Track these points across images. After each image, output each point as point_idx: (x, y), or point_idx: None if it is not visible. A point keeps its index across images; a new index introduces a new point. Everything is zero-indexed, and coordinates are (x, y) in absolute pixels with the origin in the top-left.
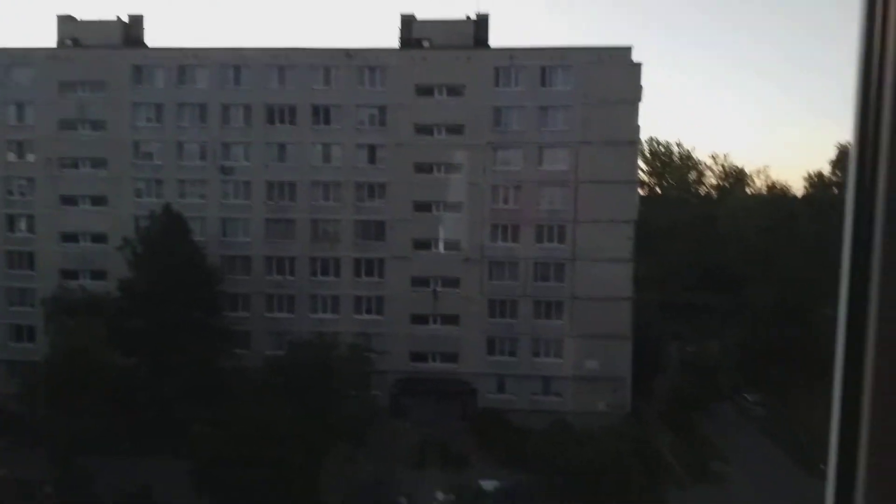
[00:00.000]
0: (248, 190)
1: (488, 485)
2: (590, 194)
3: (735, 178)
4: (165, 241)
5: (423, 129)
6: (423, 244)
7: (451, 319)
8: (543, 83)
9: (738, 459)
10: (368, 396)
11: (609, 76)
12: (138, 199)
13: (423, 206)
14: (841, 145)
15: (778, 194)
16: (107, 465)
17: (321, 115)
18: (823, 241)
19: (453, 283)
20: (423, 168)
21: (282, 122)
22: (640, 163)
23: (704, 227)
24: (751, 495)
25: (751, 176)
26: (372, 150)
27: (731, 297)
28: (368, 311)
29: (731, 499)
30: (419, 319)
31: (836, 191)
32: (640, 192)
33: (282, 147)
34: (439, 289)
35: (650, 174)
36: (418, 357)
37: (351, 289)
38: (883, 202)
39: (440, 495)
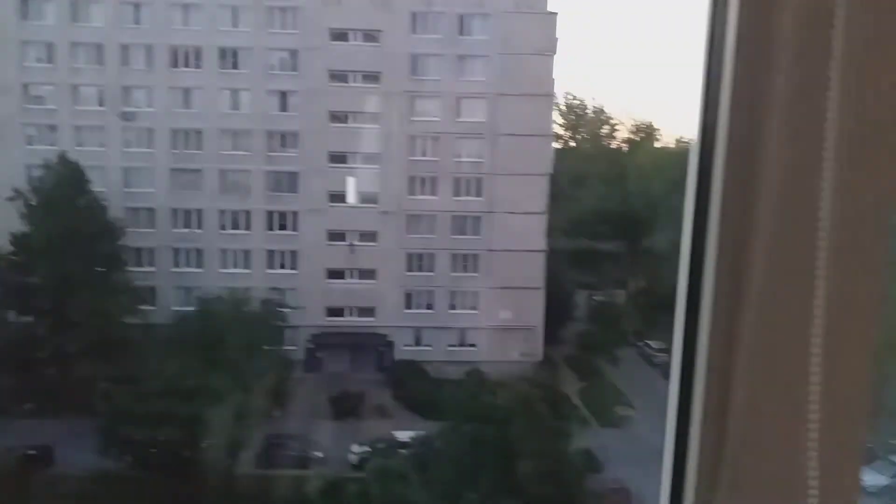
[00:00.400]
0: (151, 138)
1: (403, 435)
2: (506, 147)
3: (645, 132)
4: (62, 193)
5: (338, 76)
6: (339, 197)
7: (369, 274)
8: (461, 31)
9: (641, 403)
10: (282, 352)
11: (525, 26)
12: (30, 147)
13: (338, 157)
14: None
15: (684, 148)
16: (6, 427)
17: (229, 58)
18: None
19: (370, 236)
20: (337, 117)
21: (186, 65)
22: (556, 116)
23: (614, 180)
24: (652, 437)
25: (659, 130)
26: (283, 96)
27: (638, 248)
28: (282, 266)
29: (634, 440)
30: (335, 274)
31: None
32: (555, 145)
33: (187, 92)
34: (356, 243)
35: (565, 128)
36: (334, 312)
37: (263, 243)
38: (718, 200)
39: (355, 447)
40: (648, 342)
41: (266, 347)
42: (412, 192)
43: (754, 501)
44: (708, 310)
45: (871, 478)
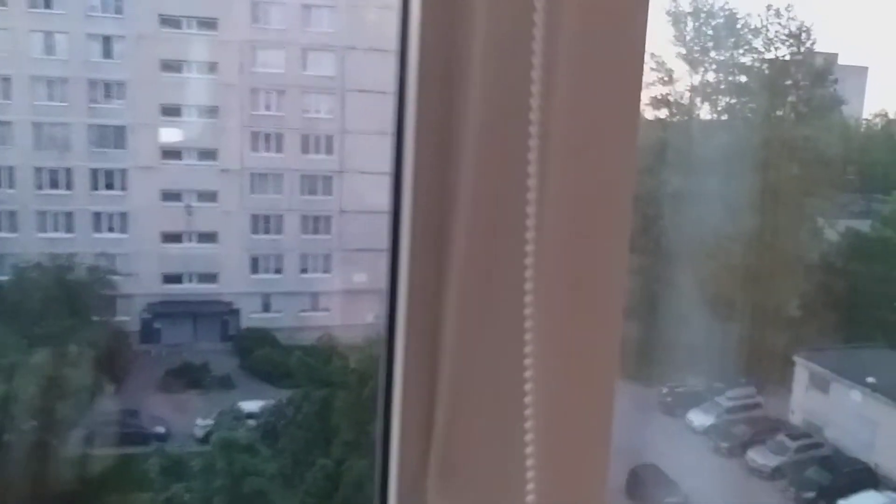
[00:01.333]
0: None
1: (250, 406)
2: (357, 104)
3: None
4: None
5: (170, 21)
6: (173, 153)
7: (209, 237)
8: None
9: None
10: (114, 323)
11: None
12: None
13: (171, 110)
14: None
15: None
16: None
17: None
18: None
19: (210, 196)
20: (170, 66)
21: None
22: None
23: None
24: None
25: None
26: (107, 41)
27: None
28: (110, 230)
29: None
30: (171, 237)
31: None
32: None
33: None
34: (194, 203)
35: None
36: (172, 278)
37: (87, 203)
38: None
39: (200, 421)
40: None
41: (95, 318)
42: (255, 149)
43: (467, 488)
44: (405, 284)
45: (699, 418)
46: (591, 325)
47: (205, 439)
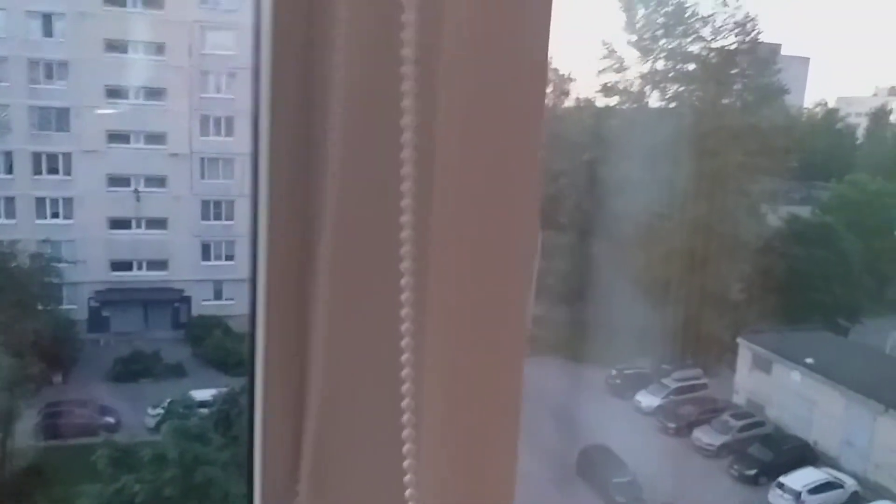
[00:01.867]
0: None
1: (202, 394)
2: None
3: None
4: None
5: None
6: (120, 137)
7: (158, 223)
8: None
9: None
10: (60, 311)
11: None
12: None
13: (117, 92)
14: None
15: None
16: None
17: None
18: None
19: (159, 181)
20: (115, 46)
21: None
22: None
23: None
24: None
25: None
26: (48, 19)
27: None
28: (55, 216)
29: None
30: (119, 224)
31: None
32: None
33: None
34: (142, 189)
35: None
36: (121, 265)
37: (30, 188)
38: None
39: (151, 410)
40: None
41: (40, 307)
42: (205, 133)
43: (343, 498)
44: (263, 283)
45: (646, 399)
46: (484, 327)
47: (156, 428)
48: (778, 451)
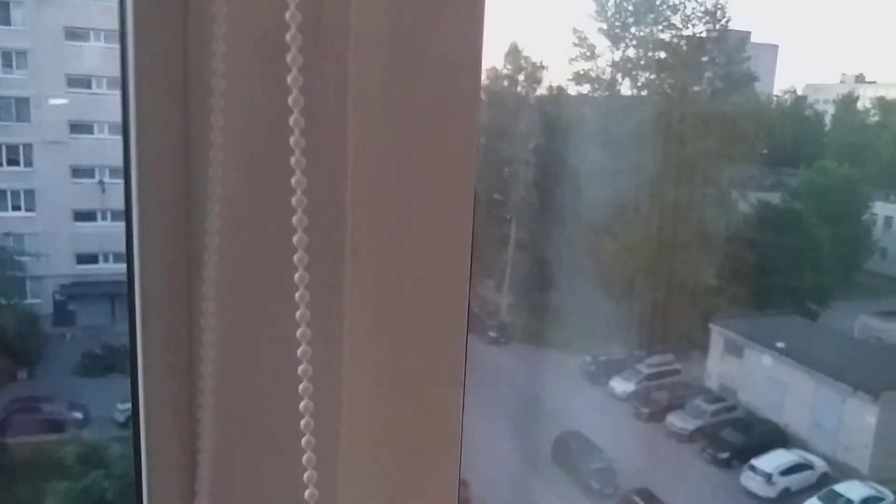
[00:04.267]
0: None
1: None
2: None
3: None
4: None
5: None
6: (84, 127)
7: (124, 215)
8: None
9: None
10: (23, 306)
11: None
12: None
13: (79, 81)
14: (512, 42)
15: None
16: None
17: None
18: (496, 130)
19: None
20: (76, 34)
21: None
22: None
23: None
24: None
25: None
26: (5, 6)
27: None
28: (16, 208)
29: None
30: (84, 216)
31: (506, 83)
32: None
33: None
34: (107, 180)
35: None
36: (86, 258)
37: None
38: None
39: (121, 405)
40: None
41: (3, 302)
42: None
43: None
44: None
45: (620, 385)
46: (418, 316)
47: (126, 424)
48: (750, 435)
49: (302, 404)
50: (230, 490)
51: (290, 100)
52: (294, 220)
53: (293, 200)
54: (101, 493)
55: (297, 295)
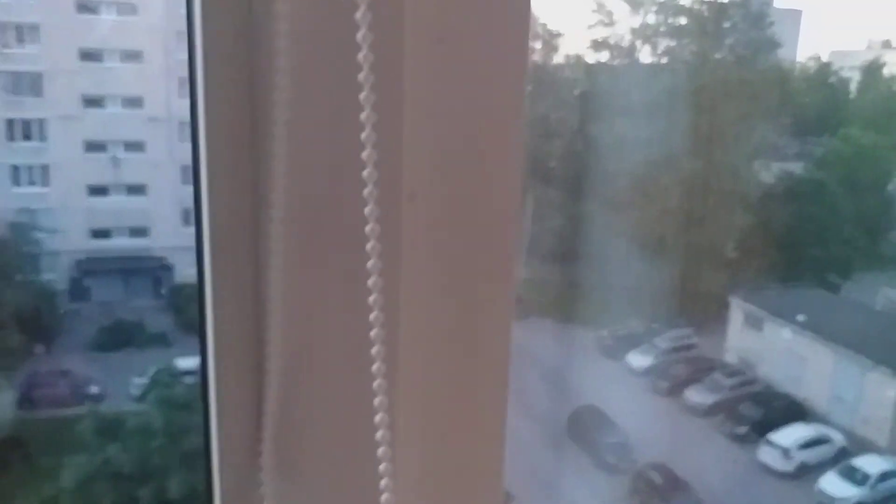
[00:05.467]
0: None
1: (186, 363)
2: None
3: None
4: None
5: None
6: (96, 101)
7: (138, 189)
8: None
9: None
10: (40, 281)
11: None
12: None
13: (91, 55)
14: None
15: None
16: None
17: None
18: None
19: (137, 147)
20: (87, 7)
21: None
22: None
23: None
24: None
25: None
26: None
27: None
28: (31, 183)
29: None
30: (98, 191)
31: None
32: None
33: None
34: (120, 154)
35: None
36: (100, 234)
37: (4, 156)
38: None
39: (136, 380)
40: None
41: (19, 277)
42: (183, 96)
43: (308, 468)
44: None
45: (637, 359)
46: (468, 301)
47: (141, 398)
48: (768, 409)
49: (374, 349)
50: (295, 437)
51: (361, 97)
52: (367, 211)
53: (365, 192)
54: (118, 466)
55: (368, 246)
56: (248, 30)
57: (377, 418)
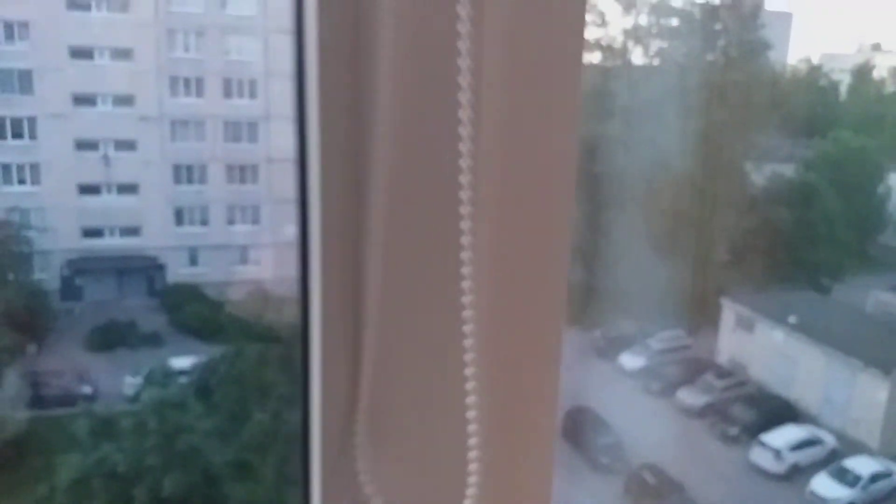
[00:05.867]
0: None
1: (181, 362)
2: (281, 45)
3: None
4: None
5: None
6: (87, 99)
7: (129, 188)
8: None
9: None
10: (31, 281)
11: None
12: None
13: (81, 52)
14: None
15: None
16: None
17: None
18: None
19: (128, 145)
20: (77, 4)
21: None
22: None
23: None
24: None
25: None
26: None
27: None
28: (21, 182)
29: None
30: (89, 189)
31: None
32: None
33: None
34: (111, 153)
35: None
36: (92, 233)
37: None
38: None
39: (129, 379)
40: None
41: (10, 276)
42: (175, 95)
43: (398, 448)
44: (317, 229)
45: (630, 360)
46: (536, 285)
47: (135, 398)
48: (760, 410)
49: (466, 328)
50: (387, 415)
51: (460, 79)
52: (462, 211)
53: (461, 179)
54: (113, 465)
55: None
56: (356, 29)
57: (468, 400)
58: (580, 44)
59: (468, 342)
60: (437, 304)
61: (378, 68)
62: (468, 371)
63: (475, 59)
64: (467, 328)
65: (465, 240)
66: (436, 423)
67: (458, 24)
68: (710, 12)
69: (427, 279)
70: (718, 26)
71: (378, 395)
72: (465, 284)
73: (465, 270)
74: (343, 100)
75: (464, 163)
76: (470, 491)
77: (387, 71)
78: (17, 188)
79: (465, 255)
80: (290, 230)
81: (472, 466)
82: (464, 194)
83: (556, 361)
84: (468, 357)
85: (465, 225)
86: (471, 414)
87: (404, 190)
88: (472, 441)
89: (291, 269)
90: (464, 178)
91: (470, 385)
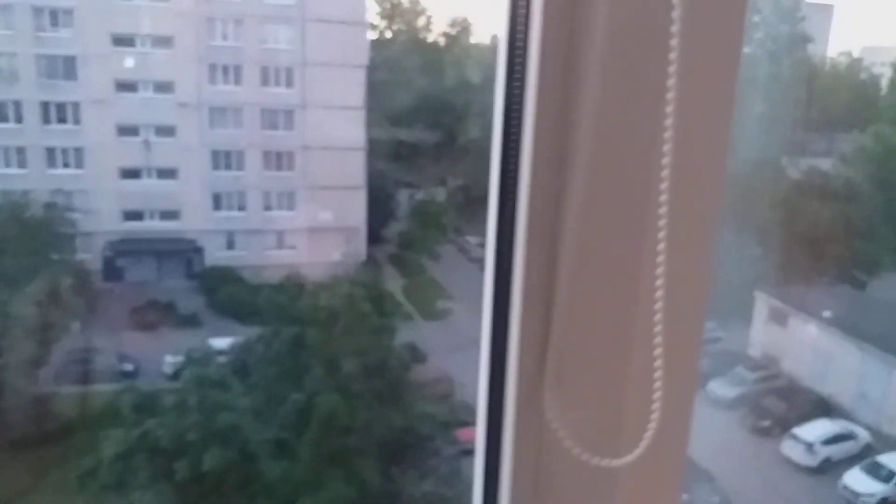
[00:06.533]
0: None
1: (220, 343)
2: (318, 34)
3: (461, 26)
4: None
5: None
6: (128, 85)
7: (169, 173)
8: None
9: (461, 296)
10: (75, 261)
11: None
12: None
13: (123, 40)
14: None
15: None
16: None
17: None
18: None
19: (168, 131)
20: None
21: None
22: (371, 4)
23: (433, 74)
24: (471, 327)
25: (475, 25)
26: None
27: (456, 144)
28: (66, 165)
29: (455, 331)
30: (130, 173)
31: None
32: (371, 35)
33: None
34: (151, 138)
35: (380, 17)
36: (133, 216)
37: (39, 138)
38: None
39: (169, 358)
40: (467, 237)
41: (55, 257)
42: (213, 82)
43: (582, 395)
44: (525, 200)
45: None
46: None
47: (174, 376)
48: (792, 403)
49: (656, 305)
50: (577, 348)
51: (668, 73)
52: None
53: (661, 186)
54: (155, 440)
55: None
56: (571, 39)
57: (655, 352)
58: (741, 42)
59: (657, 305)
60: (627, 268)
61: (587, 75)
62: (656, 329)
63: (680, 65)
64: (658, 293)
65: (662, 222)
66: (618, 371)
67: (671, 27)
68: (749, 4)
69: (617, 250)
70: (756, 18)
71: (566, 346)
72: (659, 259)
73: (660, 247)
74: (555, 102)
75: (665, 158)
76: (648, 434)
77: (596, 75)
78: (61, 171)
79: (661, 232)
80: (325, 216)
81: (654, 413)
82: (664, 173)
83: (703, 317)
84: (657, 317)
85: (662, 199)
86: (657, 363)
87: (606, 159)
88: (657, 385)
89: (325, 255)
90: (665, 160)
91: (657, 339)
